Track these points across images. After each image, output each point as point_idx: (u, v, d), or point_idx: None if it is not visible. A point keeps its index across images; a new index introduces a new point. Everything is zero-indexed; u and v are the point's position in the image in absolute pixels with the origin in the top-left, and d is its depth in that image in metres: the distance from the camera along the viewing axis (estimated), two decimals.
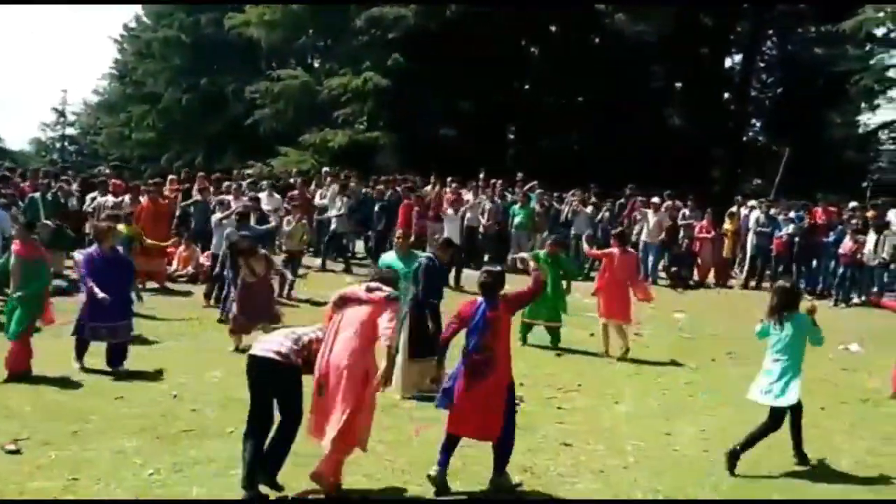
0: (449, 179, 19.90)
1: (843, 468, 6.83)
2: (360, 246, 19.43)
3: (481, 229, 18.28)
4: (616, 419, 8.04)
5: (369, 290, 6.01)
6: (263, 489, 5.66)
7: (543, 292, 8.00)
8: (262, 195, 16.99)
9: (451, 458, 5.99)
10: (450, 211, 17.46)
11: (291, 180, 20.07)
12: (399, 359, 8.26)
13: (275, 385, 5.79)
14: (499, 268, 6.45)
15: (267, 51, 32.33)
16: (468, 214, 18.56)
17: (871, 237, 15.99)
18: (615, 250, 11.33)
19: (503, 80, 29.15)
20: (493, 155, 27.92)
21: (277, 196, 17.42)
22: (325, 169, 22.01)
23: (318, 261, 17.36)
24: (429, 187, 20.17)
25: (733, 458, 6.56)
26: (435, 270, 8.83)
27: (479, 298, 6.17)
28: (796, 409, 6.86)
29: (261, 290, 10.43)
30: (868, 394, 9.41)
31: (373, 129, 28.89)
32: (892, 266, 15.80)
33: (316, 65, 33.69)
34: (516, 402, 6.50)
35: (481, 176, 20.64)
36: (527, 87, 32.35)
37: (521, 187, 19.69)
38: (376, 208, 18.28)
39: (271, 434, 5.75)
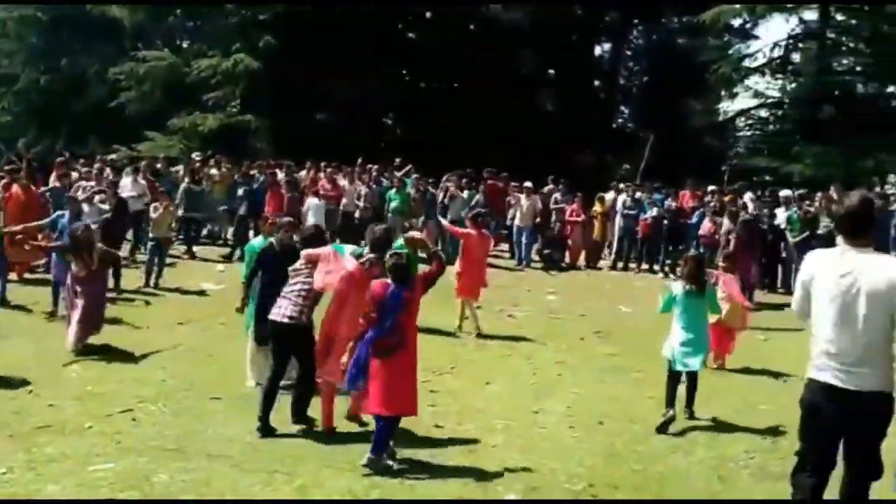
0: (323, 164, 19.75)
1: (700, 438, 7.16)
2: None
3: (357, 214, 18.23)
4: (487, 400, 8.19)
5: None
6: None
7: None
8: (127, 181, 16.42)
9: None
10: (314, 198, 17.31)
11: (158, 165, 19.39)
12: (249, 345, 8.27)
13: (291, 344, 7.02)
14: (406, 251, 6.66)
15: (131, 31, 31.06)
16: (344, 200, 18.54)
17: (727, 220, 16.77)
18: (472, 231, 11.55)
19: (380, 64, 29.03)
20: (371, 140, 27.84)
21: (143, 182, 16.82)
22: (194, 154, 21.41)
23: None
24: (303, 172, 19.97)
25: (667, 423, 7.28)
26: (272, 256, 8.38)
27: (388, 281, 6.28)
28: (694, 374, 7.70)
29: (91, 292, 9.65)
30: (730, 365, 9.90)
31: (245, 112, 28.27)
32: None
33: (184, 46, 32.64)
34: None
35: (359, 161, 20.57)
36: (404, 72, 32.36)
37: (398, 172, 19.75)
38: (239, 192, 17.88)
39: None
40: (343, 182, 18.98)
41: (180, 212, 16.81)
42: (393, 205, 18.06)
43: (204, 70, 27.46)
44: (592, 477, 6.06)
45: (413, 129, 30.55)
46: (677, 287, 7.83)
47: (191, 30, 32.60)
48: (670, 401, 7.46)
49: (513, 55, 30.39)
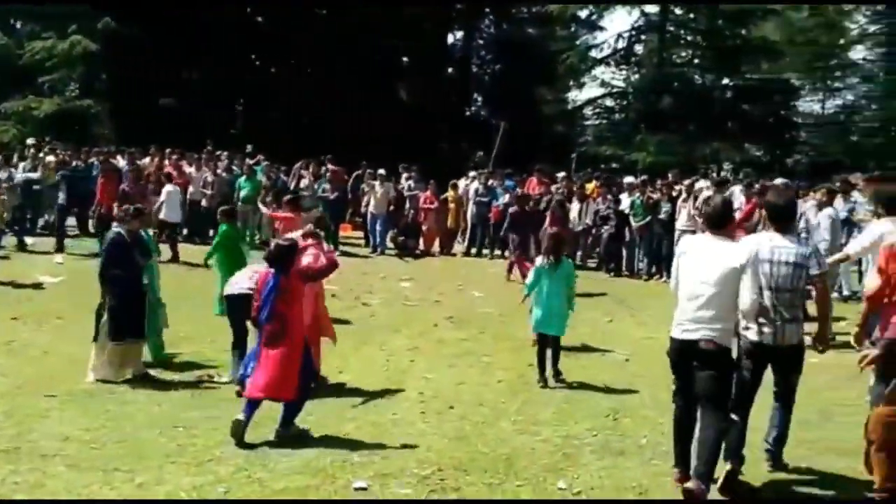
0: (168, 151, 19.11)
1: (545, 418, 7.37)
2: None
3: (204, 202, 17.74)
4: (339, 389, 8.14)
5: None
6: None
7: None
8: None
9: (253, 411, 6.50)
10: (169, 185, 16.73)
11: None
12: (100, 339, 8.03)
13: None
14: (289, 241, 6.85)
15: None
16: (190, 188, 18.00)
17: (576, 205, 17.34)
18: (290, 214, 11.48)
19: (229, 48, 28.27)
20: (221, 126, 27.12)
21: None
22: (28, 140, 20.25)
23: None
24: (147, 159, 19.23)
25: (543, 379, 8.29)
26: (121, 245, 8.25)
27: (271, 270, 6.58)
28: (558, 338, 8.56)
29: None
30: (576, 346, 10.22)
31: (85, 96, 26.93)
32: (593, 231, 17.22)
33: (18, 26, 30.76)
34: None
35: (208, 148, 20.00)
36: (253, 56, 31.63)
37: (250, 160, 19.35)
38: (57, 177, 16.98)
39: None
40: (189, 169, 18.42)
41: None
42: (243, 193, 17.67)
43: (39, 52, 25.98)
44: (441, 461, 6.12)
45: (265, 116, 29.96)
46: (540, 262, 8.68)
47: (25, 11, 30.69)
48: (541, 367, 8.41)
49: (365, 42, 30.23)
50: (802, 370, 5.94)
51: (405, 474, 5.86)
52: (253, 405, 6.49)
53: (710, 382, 5.50)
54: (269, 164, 18.96)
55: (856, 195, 15.00)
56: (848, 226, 13.97)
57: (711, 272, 5.51)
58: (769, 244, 5.79)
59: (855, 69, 36.23)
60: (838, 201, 13.50)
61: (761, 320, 5.75)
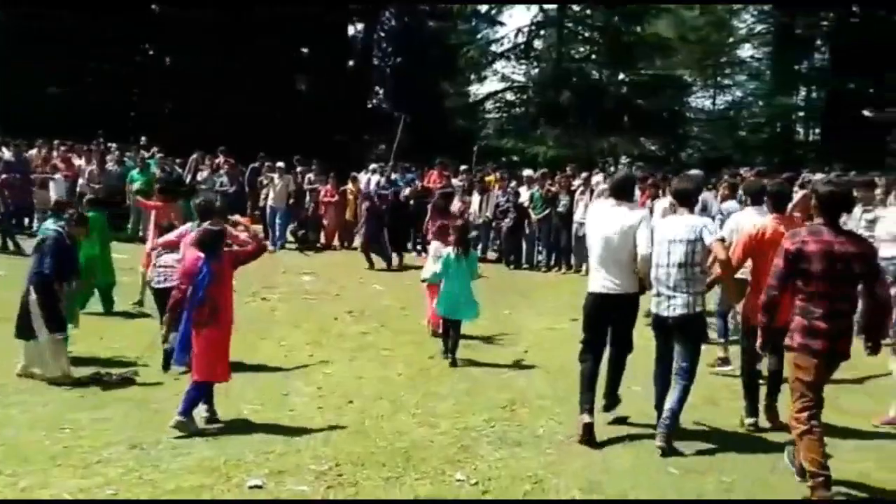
0: (56, 143, 18.41)
1: (445, 410, 7.41)
2: None
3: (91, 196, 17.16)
4: (236, 386, 7.94)
5: None
6: None
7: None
8: None
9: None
10: (57, 176, 16.14)
11: None
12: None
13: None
14: (218, 228, 7.08)
15: None
16: (80, 181, 17.42)
17: (476, 198, 17.48)
18: (159, 203, 11.36)
19: (121, 37, 27.37)
20: (113, 117, 26.23)
21: None
22: None
23: None
24: (34, 151, 18.49)
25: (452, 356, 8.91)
26: (64, 246, 8.16)
27: (202, 255, 6.69)
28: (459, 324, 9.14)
29: None
30: (475, 338, 10.30)
31: None
32: (493, 224, 17.38)
33: None
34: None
35: (99, 140, 19.37)
36: (147, 46, 30.73)
37: (146, 152, 18.84)
38: None
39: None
40: (79, 161, 17.81)
41: None
42: (136, 186, 17.15)
43: None
44: (339, 456, 6.08)
45: (160, 107, 29.14)
46: (448, 252, 9.22)
47: None
48: (446, 345, 9.15)
49: (265, 33, 29.72)
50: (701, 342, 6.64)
51: (301, 471, 5.80)
52: (198, 392, 6.67)
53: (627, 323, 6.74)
54: (162, 157, 18.45)
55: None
56: None
57: (614, 233, 6.46)
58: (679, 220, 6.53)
59: (743, 67, 37.65)
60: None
61: (661, 291, 6.45)
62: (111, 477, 5.61)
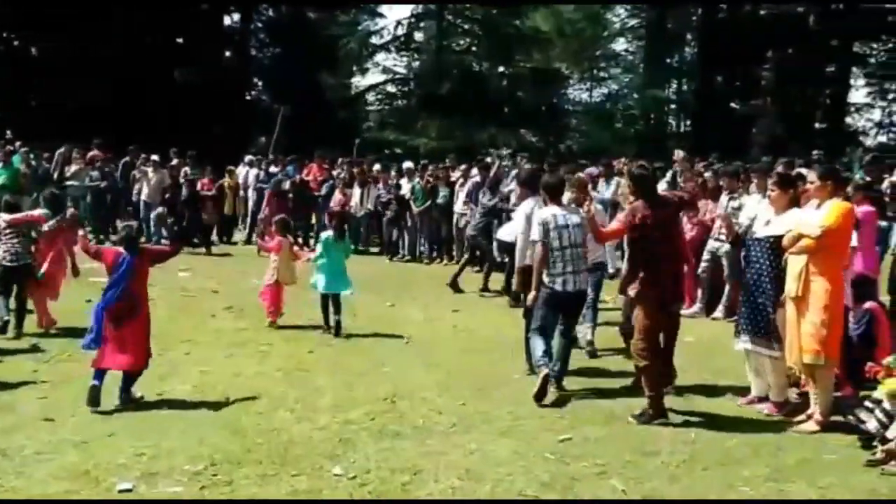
0: None
1: (324, 405, 7.37)
2: None
3: None
4: (106, 385, 7.72)
5: None
6: None
7: None
8: None
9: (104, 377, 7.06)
10: None
11: None
12: None
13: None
14: (136, 223, 8.12)
15: None
16: None
17: (357, 190, 17.43)
18: None
19: None
20: None
21: None
22: None
23: None
24: None
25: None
26: None
27: (121, 250, 7.22)
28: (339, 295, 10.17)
29: None
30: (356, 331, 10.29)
31: None
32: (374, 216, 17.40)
33: None
34: None
35: None
36: (12, 36, 29.23)
37: (11, 147, 17.97)
38: None
39: None
40: None
41: None
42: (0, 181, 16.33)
43: None
44: (214, 455, 5.95)
45: (24, 98, 27.80)
46: (326, 235, 10.53)
47: None
48: (326, 318, 10.16)
49: (139, 22, 28.72)
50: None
51: (175, 472, 5.66)
52: (103, 373, 7.09)
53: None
54: (26, 151, 17.63)
55: (618, 178, 16.08)
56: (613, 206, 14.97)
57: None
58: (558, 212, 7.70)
59: (618, 60, 38.75)
60: (601, 183, 14.69)
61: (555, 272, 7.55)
62: None
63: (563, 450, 6.23)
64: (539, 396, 7.32)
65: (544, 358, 7.51)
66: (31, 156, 17.70)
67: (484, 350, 9.52)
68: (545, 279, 7.59)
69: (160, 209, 17.38)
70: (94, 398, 6.99)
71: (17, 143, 18.40)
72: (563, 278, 7.54)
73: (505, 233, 11.08)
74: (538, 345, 7.63)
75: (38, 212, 10.07)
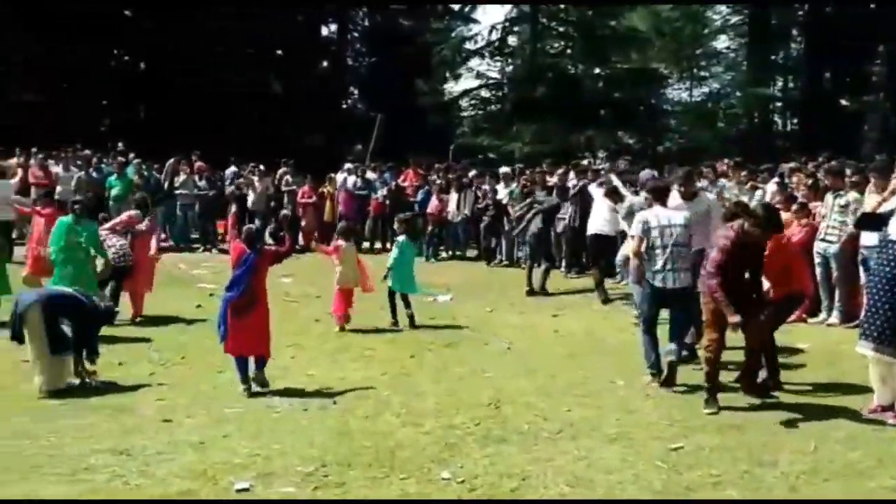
0: (34, 151, 18.27)
1: (428, 409, 7.41)
2: None
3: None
4: (219, 389, 7.97)
5: None
6: None
7: None
8: None
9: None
10: None
11: None
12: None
13: None
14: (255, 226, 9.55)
15: None
16: (59, 188, 17.34)
17: (454, 196, 17.48)
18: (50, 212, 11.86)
19: (97, 45, 27.19)
20: (88, 125, 26.06)
21: None
22: None
23: None
24: (13, 160, 18.32)
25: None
26: None
27: (246, 248, 7.82)
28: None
29: None
30: (457, 337, 10.32)
31: None
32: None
33: None
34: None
35: (77, 146, 19.28)
36: (119, 51, 30.50)
37: (122, 158, 18.75)
38: None
39: None
40: (56, 169, 17.69)
41: None
42: (114, 192, 17.04)
43: None
44: (325, 457, 6.07)
45: (136, 112, 28.99)
46: (402, 238, 11.32)
47: None
48: (394, 312, 10.91)
49: (239, 35, 29.57)
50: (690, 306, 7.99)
51: (288, 472, 5.79)
52: (241, 362, 7.80)
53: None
54: (139, 162, 18.34)
55: (722, 180, 15.64)
56: None
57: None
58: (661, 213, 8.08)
59: (719, 58, 37.76)
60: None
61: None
62: (98, 483, 5.59)
63: (675, 459, 6.09)
64: (667, 383, 7.88)
65: (656, 365, 7.98)
66: (143, 167, 18.34)
67: (586, 355, 9.42)
68: (647, 275, 7.95)
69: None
70: (244, 378, 7.77)
71: (131, 155, 19.14)
72: (662, 275, 7.82)
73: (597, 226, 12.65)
74: (647, 341, 8.09)
75: (131, 213, 11.36)
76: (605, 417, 7.07)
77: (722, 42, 37.88)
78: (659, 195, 8.43)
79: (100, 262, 10.23)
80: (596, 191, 13.78)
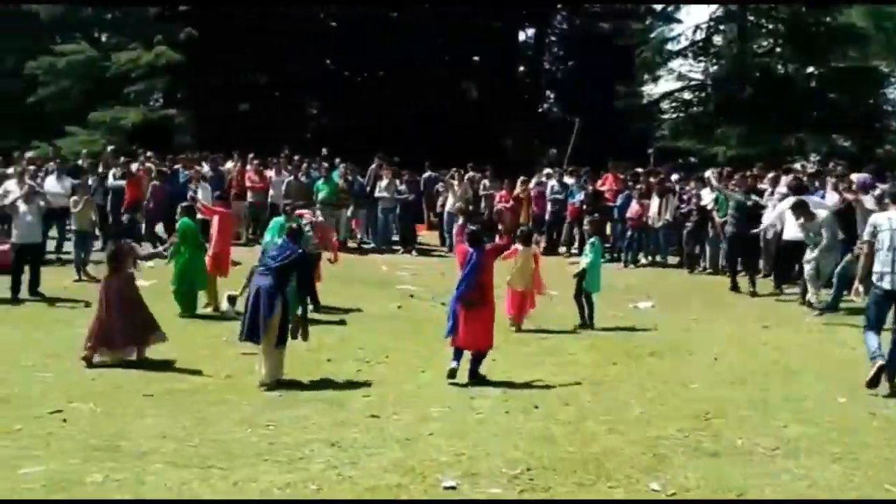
0: (251, 157, 19.46)
1: (633, 418, 7.22)
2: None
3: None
4: (422, 388, 8.14)
5: None
6: None
7: None
8: (51, 178, 15.95)
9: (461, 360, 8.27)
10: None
11: (80, 162, 18.86)
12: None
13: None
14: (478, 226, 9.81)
15: (48, 23, 29.96)
16: (271, 192, 18.42)
17: (655, 201, 17.03)
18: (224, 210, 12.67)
19: (302, 52, 28.70)
20: (295, 130, 27.50)
21: (69, 179, 16.14)
22: (109, 148, 20.82)
23: None
24: (230, 164, 19.66)
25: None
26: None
27: (469, 248, 8.39)
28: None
29: None
30: (660, 345, 10.02)
31: (169, 106, 27.66)
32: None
33: (103, 38, 31.64)
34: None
35: (285, 152, 20.36)
36: (328, 61, 32.01)
37: (327, 162, 19.66)
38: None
39: None
40: (270, 173, 18.79)
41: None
42: (321, 195, 17.86)
43: (125, 64, 26.76)
44: (529, 461, 6.05)
45: (338, 118, 30.30)
46: (594, 239, 11.61)
47: (108, 22, 31.57)
48: (582, 315, 11.15)
49: (437, 42, 30.25)
50: None
51: (493, 474, 5.81)
52: (459, 353, 8.30)
53: None
54: (345, 166, 19.14)
55: None
56: None
57: None
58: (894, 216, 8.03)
59: None
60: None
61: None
62: (313, 473, 5.83)
63: None
64: (871, 383, 7.80)
65: (878, 350, 7.87)
66: (348, 171, 19.11)
67: (799, 369, 8.91)
68: (873, 277, 7.99)
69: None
70: (451, 374, 8.19)
71: (336, 160, 20.00)
72: (890, 277, 7.84)
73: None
74: (870, 339, 7.97)
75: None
76: (826, 435, 6.64)
77: None
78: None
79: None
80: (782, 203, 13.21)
